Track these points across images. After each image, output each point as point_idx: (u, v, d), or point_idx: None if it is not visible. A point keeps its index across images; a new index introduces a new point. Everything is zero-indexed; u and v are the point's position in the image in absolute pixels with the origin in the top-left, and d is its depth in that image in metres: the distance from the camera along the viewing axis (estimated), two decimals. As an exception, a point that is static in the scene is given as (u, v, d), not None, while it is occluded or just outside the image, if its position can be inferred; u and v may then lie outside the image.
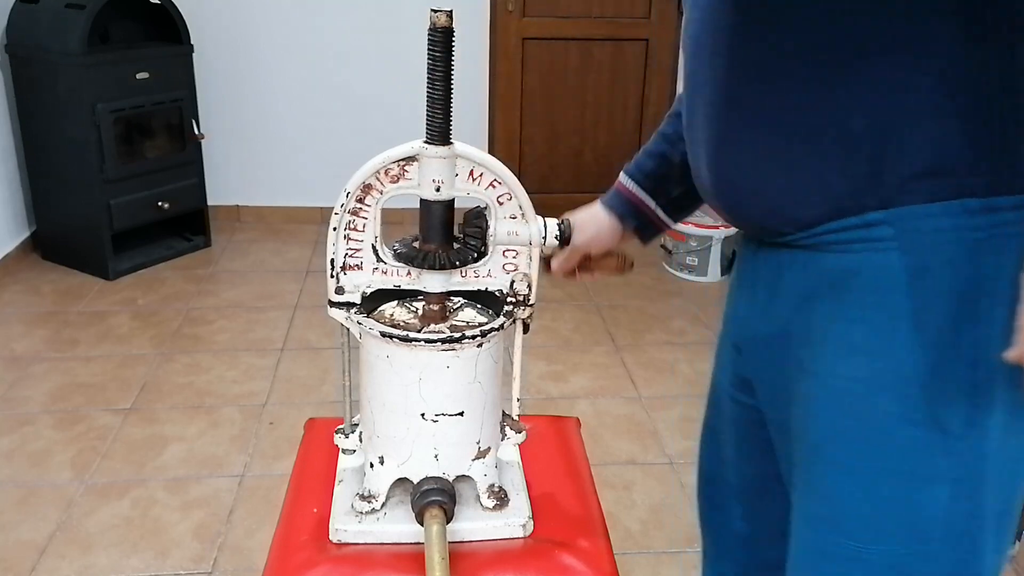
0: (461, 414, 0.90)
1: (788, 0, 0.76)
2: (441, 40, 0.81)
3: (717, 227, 3.44)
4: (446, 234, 0.87)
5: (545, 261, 1.07)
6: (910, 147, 0.75)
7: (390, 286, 0.89)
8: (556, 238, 0.90)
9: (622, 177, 1.12)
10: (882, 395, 0.79)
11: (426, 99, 0.83)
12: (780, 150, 0.81)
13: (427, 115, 0.83)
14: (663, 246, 3.60)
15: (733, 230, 3.47)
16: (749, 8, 0.79)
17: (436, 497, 0.89)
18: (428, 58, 0.82)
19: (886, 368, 0.78)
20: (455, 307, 0.94)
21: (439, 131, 0.83)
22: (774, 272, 0.89)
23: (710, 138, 0.86)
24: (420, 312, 0.92)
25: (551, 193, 3.92)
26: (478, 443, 0.93)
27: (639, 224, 1.12)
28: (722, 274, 3.50)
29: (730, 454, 1.08)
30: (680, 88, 0.99)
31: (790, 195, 0.82)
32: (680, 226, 3.46)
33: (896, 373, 0.78)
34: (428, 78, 0.82)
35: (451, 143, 0.84)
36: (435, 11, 0.80)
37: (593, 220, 1.10)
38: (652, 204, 1.11)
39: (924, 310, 0.76)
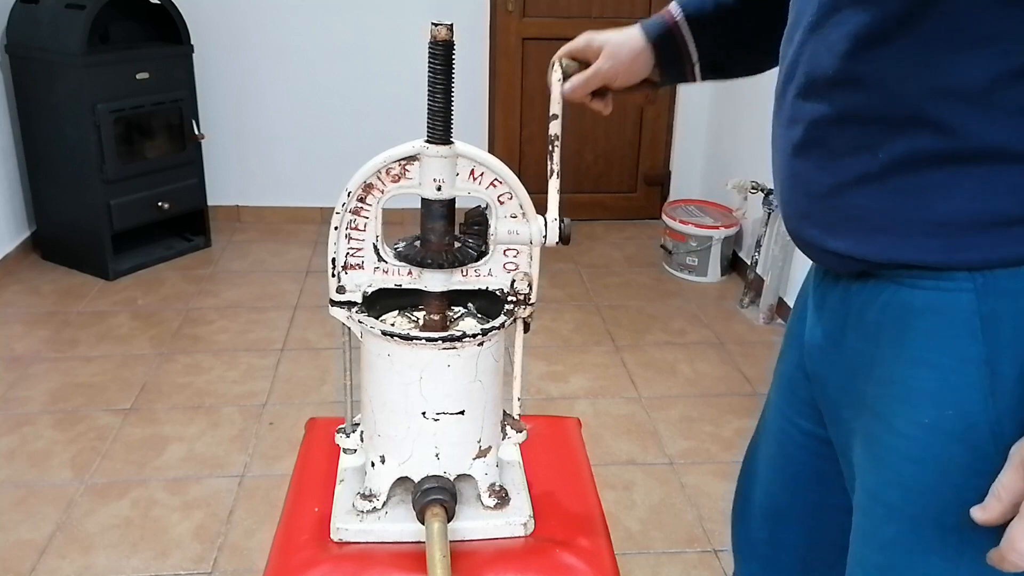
0: (462, 413, 0.90)
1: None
2: (442, 53, 0.81)
3: (717, 227, 3.44)
4: (447, 233, 0.87)
5: (563, 79, 1.01)
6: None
7: (391, 285, 0.90)
8: (556, 240, 0.90)
9: (673, 8, 1.00)
10: (949, 444, 0.73)
11: (427, 109, 0.83)
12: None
13: (428, 123, 0.83)
14: (663, 246, 3.60)
15: (733, 230, 3.48)
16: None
17: (437, 496, 0.89)
18: (429, 70, 0.82)
19: (955, 416, 0.73)
20: (455, 316, 0.94)
21: (440, 136, 0.83)
22: (840, 299, 0.83)
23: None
24: (421, 322, 0.92)
25: (551, 193, 3.91)
26: (479, 442, 0.93)
27: (670, 65, 1.01)
28: (722, 274, 3.50)
29: (768, 476, 1.02)
30: None
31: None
32: (680, 226, 3.46)
33: (965, 422, 0.72)
34: (429, 89, 0.82)
35: (452, 142, 0.84)
36: (435, 24, 0.80)
37: (631, 49, 0.99)
38: (695, 56, 1.00)
39: (998, 358, 0.70)
